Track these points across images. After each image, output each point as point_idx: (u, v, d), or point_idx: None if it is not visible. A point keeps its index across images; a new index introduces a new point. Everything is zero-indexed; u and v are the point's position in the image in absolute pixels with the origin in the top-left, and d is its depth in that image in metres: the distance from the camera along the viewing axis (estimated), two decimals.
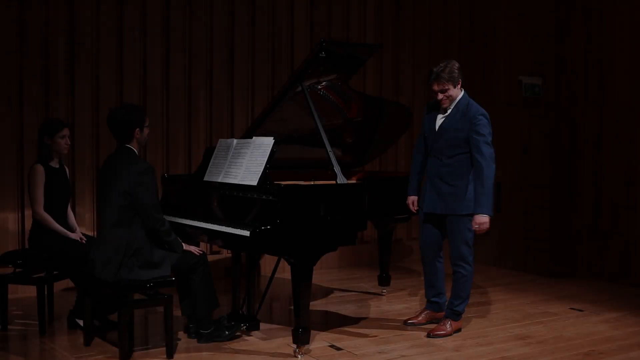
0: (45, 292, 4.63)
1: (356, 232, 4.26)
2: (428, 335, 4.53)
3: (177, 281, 4.20)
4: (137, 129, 4.11)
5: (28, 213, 5.36)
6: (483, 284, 6.33)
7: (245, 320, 4.57)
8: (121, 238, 3.98)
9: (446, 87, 4.40)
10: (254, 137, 4.41)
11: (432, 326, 4.66)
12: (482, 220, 4.36)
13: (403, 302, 5.51)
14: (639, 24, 7.35)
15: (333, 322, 4.91)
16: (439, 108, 4.53)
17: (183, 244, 4.20)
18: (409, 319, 4.80)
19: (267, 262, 6.49)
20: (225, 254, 6.36)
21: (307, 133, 4.96)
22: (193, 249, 4.22)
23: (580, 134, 8.00)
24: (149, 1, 6.05)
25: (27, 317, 4.91)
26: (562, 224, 8.27)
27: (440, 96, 4.43)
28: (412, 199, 4.75)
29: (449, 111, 4.49)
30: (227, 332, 4.35)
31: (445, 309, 4.69)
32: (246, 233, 3.90)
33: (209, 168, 4.61)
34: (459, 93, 4.47)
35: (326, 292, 5.91)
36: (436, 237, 4.64)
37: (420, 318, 4.77)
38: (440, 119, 4.51)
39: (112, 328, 4.50)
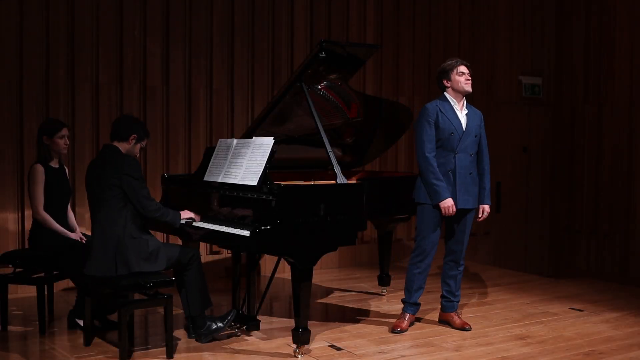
0: (45, 292, 4.64)
1: (356, 232, 4.25)
2: (465, 329, 4.66)
3: (177, 280, 4.21)
4: (134, 135, 4.19)
5: (28, 213, 5.36)
6: (483, 284, 6.33)
7: (245, 320, 4.57)
8: (114, 231, 4.02)
9: (470, 74, 4.62)
10: (254, 137, 4.41)
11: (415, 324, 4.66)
12: (489, 209, 4.73)
13: None
14: (638, 24, 7.35)
15: (333, 322, 4.91)
16: (447, 109, 4.55)
17: (181, 213, 4.29)
18: (396, 327, 4.66)
19: (267, 262, 6.49)
20: (225, 254, 6.36)
21: (307, 133, 4.96)
22: (189, 215, 4.32)
23: (580, 133, 8.01)
24: (149, 1, 6.05)
25: (27, 317, 4.91)
26: (562, 224, 8.28)
27: (468, 77, 4.57)
28: (452, 201, 4.49)
29: (465, 110, 4.61)
30: (221, 324, 4.34)
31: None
32: (246, 233, 3.90)
33: (209, 168, 4.61)
34: None
35: (326, 292, 5.91)
36: None
37: (405, 324, 4.70)
38: (463, 117, 4.58)
39: (112, 328, 4.51)
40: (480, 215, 4.68)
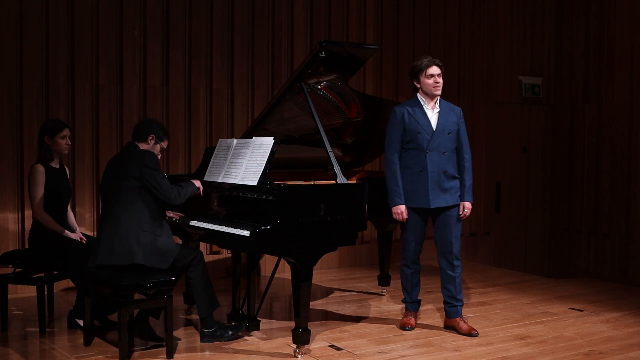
0: (45, 292, 4.64)
1: (356, 232, 4.26)
2: (472, 335, 4.56)
3: (177, 279, 4.22)
4: (152, 136, 4.29)
5: (28, 213, 5.36)
6: (483, 284, 6.33)
7: (245, 320, 4.57)
8: (125, 221, 4.07)
9: (441, 74, 4.53)
10: (254, 137, 4.41)
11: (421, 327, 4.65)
12: (471, 206, 4.61)
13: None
14: (638, 24, 7.35)
15: (333, 322, 4.91)
16: (415, 108, 4.52)
17: (193, 181, 4.37)
18: (405, 325, 4.72)
19: (267, 262, 6.50)
20: (225, 254, 6.36)
21: (307, 133, 4.96)
22: (199, 183, 4.40)
23: (580, 133, 8.01)
24: (149, 1, 6.05)
25: (27, 317, 4.91)
26: (562, 224, 8.28)
27: (437, 79, 4.49)
28: (404, 207, 4.57)
29: (437, 109, 4.55)
30: (230, 332, 4.36)
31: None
32: (246, 233, 3.90)
33: (209, 168, 4.61)
34: None
35: (326, 292, 5.91)
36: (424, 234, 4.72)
37: (413, 321, 4.75)
38: (433, 117, 4.53)
39: (112, 328, 4.51)
40: (461, 213, 4.58)
